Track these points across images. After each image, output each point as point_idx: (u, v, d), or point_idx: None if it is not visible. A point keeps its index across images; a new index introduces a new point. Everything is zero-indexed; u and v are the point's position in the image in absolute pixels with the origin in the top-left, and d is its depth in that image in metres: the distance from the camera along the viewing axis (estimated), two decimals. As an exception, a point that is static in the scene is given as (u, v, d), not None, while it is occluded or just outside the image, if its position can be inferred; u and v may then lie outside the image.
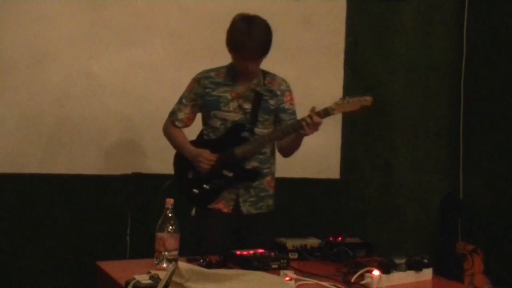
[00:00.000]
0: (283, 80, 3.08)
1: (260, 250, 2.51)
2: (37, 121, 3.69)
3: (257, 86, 3.00)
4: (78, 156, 3.78)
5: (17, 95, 3.64)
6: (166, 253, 2.29)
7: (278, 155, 3.17)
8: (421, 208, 4.74)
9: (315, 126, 2.79)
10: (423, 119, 4.74)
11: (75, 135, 3.77)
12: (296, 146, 3.01)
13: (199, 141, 3.06)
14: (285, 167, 3.77)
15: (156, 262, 2.31)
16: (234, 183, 2.98)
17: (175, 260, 2.11)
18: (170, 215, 2.32)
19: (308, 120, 2.78)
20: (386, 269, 2.28)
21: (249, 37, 2.82)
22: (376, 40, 4.62)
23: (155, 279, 1.99)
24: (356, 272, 2.29)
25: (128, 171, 3.86)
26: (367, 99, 2.86)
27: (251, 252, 2.49)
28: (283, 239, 2.68)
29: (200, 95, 3.01)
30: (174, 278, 1.89)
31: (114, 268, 2.32)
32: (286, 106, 3.04)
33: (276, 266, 2.41)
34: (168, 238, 2.30)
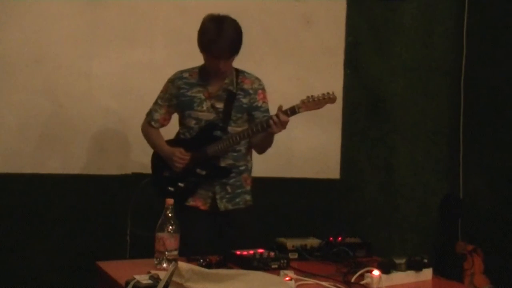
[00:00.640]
0: (256, 78, 3.12)
1: (260, 250, 2.52)
2: (37, 121, 3.69)
3: (229, 85, 3.04)
4: (78, 156, 3.78)
5: (17, 95, 3.64)
6: (166, 253, 2.30)
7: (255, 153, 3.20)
8: (421, 208, 4.74)
9: (282, 124, 2.86)
10: (423, 119, 4.74)
11: (75, 135, 3.77)
12: (268, 143, 3.08)
13: (175, 141, 3.13)
14: (285, 167, 3.79)
15: (156, 262, 2.31)
16: (208, 181, 3.04)
17: (175, 260, 2.11)
18: (170, 215, 2.32)
19: (275, 118, 2.85)
20: (386, 269, 2.28)
21: (219, 36, 2.86)
22: (376, 40, 4.62)
23: (155, 279, 1.99)
24: (356, 272, 2.29)
25: (128, 171, 3.86)
26: (332, 98, 2.90)
27: (251, 252, 2.49)
28: (283, 239, 2.69)
29: (175, 96, 3.07)
30: (174, 278, 1.89)
31: (114, 268, 2.33)
32: (259, 104, 3.09)
33: (276, 266, 2.42)
34: (168, 238, 2.30)
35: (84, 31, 3.76)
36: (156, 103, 3.15)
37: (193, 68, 3.10)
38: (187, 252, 2.44)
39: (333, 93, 2.91)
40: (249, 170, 3.16)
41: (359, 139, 4.59)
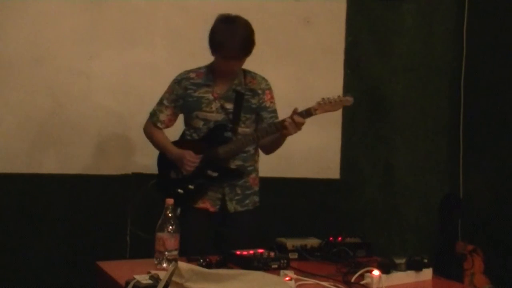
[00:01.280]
0: (263, 78, 3.10)
1: (260, 250, 2.52)
2: (37, 121, 3.69)
3: (238, 85, 3.02)
4: (78, 156, 3.78)
5: (17, 95, 3.64)
6: (166, 253, 2.29)
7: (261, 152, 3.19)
8: (421, 208, 4.74)
9: (297, 126, 2.83)
10: (423, 119, 4.74)
11: (75, 135, 3.77)
12: (279, 144, 3.06)
13: (182, 142, 3.09)
14: (285, 167, 3.78)
15: (156, 262, 2.31)
16: (219, 183, 3.01)
17: (175, 260, 2.11)
18: (170, 215, 2.32)
19: (290, 120, 2.81)
20: (386, 269, 2.28)
21: (232, 37, 2.83)
22: (376, 40, 4.62)
23: (155, 279, 1.99)
24: (356, 272, 2.29)
25: (128, 171, 3.86)
26: (348, 99, 2.88)
27: (251, 252, 2.49)
28: (283, 239, 2.69)
29: (181, 96, 3.04)
30: (174, 278, 1.89)
31: (114, 268, 2.32)
32: (267, 104, 3.07)
33: (276, 266, 2.41)
34: (168, 238, 2.30)
35: (84, 31, 3.76)
36: (161, 103, 3.09)
37: (198, 68, 3.06)
38: (194, 254, 2.42)
39: (350, 95, 2.89)
40: (256, 170, 3.14)
41: (359, 139, 4.59)
